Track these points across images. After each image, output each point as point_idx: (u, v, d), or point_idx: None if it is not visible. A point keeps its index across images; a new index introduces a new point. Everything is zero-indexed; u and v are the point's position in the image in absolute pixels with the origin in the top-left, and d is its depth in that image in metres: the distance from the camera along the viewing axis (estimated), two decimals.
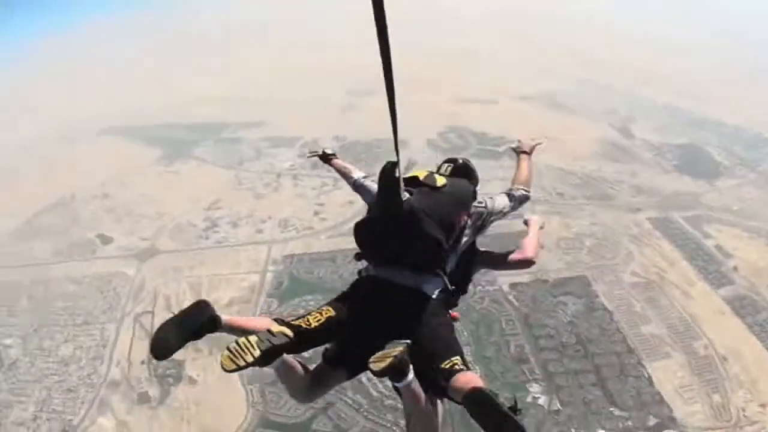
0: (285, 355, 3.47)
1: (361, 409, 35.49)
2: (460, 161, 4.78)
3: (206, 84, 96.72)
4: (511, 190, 4.63)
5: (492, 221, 4.46)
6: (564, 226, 38.35)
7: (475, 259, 4.66)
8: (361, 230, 4.04)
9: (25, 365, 44.86)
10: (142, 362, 42.42)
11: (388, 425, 35.00)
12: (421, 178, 4.18)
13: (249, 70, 78.16)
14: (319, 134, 78.31)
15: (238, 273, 43.53)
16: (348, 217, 53.75)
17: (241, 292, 42.10)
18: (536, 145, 5.07)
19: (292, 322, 3.52)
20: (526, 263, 4.57)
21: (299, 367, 3.77)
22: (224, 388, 37.37)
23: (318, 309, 3.71)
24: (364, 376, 31.47)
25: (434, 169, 4.68)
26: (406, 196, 3.90)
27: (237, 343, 3.12)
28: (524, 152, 5.01)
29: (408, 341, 3.31)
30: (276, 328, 3.38)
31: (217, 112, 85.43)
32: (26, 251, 62.57)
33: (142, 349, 46.94)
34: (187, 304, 3.34)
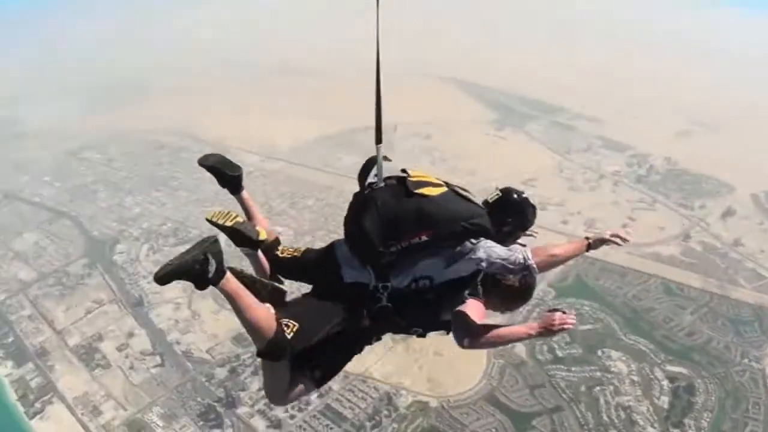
0: (259, 253, 4.35)
1: (585, 427, 35.10)
2: (514, 197, 4.30)
3: (556, 65, 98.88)
4: (528, 256, 3.96)
5: (476, 265, 4.01)
6: None
7: (452, 305, 4.22)
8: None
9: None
10: None
11: None
12: (411, 178, 4.01)
13: (600, 65, 78.61)
14: (651, 150, 73.92)
15: None
16: (657, 240, 49.61)
17: None
18: (608, 240, 4.21)
19: (274, 245, 4.42)
20: (459, 344, 4.14)
21: (268, 271, 4.39)
22: (470, 351, 39.10)
23: (296, 248, 4.45)
24: (602, 397, 33.47)
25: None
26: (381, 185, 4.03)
27: (230, 212, 4.17)
28: (587, 238, 4.24)
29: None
30: (261, 229, 4.28)
31: (559, 95, 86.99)
32: (332, 159, 74.14)
33: None
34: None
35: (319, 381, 4.17)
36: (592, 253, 4.25)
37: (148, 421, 35.73)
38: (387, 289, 3.98)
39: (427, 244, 3.85)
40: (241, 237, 4.14)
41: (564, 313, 3.91)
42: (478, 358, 35.52)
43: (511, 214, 4.18)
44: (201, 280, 3.39)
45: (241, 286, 3.66)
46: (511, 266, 3.94)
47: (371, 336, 4.28)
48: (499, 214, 4.11)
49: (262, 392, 34.65)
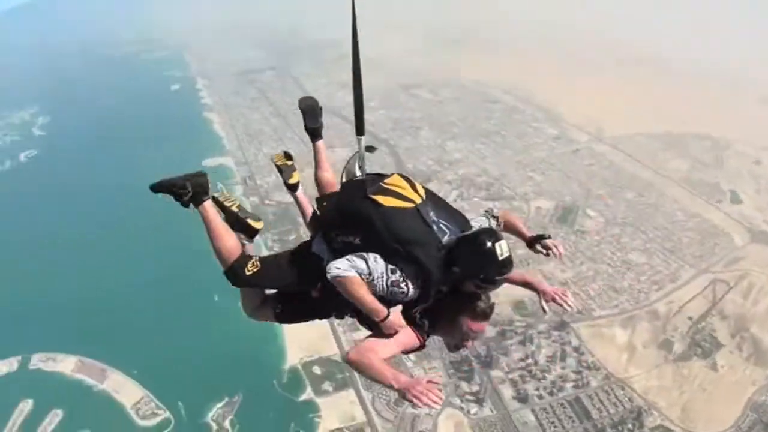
0: (299, 195, 5.29)
1: None
2: (481, 240, 3.62)
3: None
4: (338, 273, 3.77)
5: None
6: None
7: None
8: None
9: (591, 242, 51.24)
10: (690, 318, 47.70)
11: None
12: (383, 183, 4.01)
13: None
14: None
15: None
16: None
17: None
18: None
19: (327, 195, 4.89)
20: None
21: (309, 210, 4.99)
22: (732, 393, 35.65)
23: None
24: None
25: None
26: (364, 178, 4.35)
27: (285, 154, 5.41)
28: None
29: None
30: (296, 174, 5.33)
31: None
32: (661, 158, 65.32)
33: (703, 306, 51.55)
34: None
35: (280, 319, 4.67)
36: None
37: None
38: None
39: (360, 247, 3.84)
40: (284, 174, 5.31)
41: (431, 388, 3.30)
42: (737, 403, 33.66)
43: (466, 255, 3.62)
44: (178, 200, 4.35)
45: (217, 217, 4.46)
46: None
47: (329, 310, 4.37)
48: (458, 250, 3.67)
49: (522, 363, 37.30)
